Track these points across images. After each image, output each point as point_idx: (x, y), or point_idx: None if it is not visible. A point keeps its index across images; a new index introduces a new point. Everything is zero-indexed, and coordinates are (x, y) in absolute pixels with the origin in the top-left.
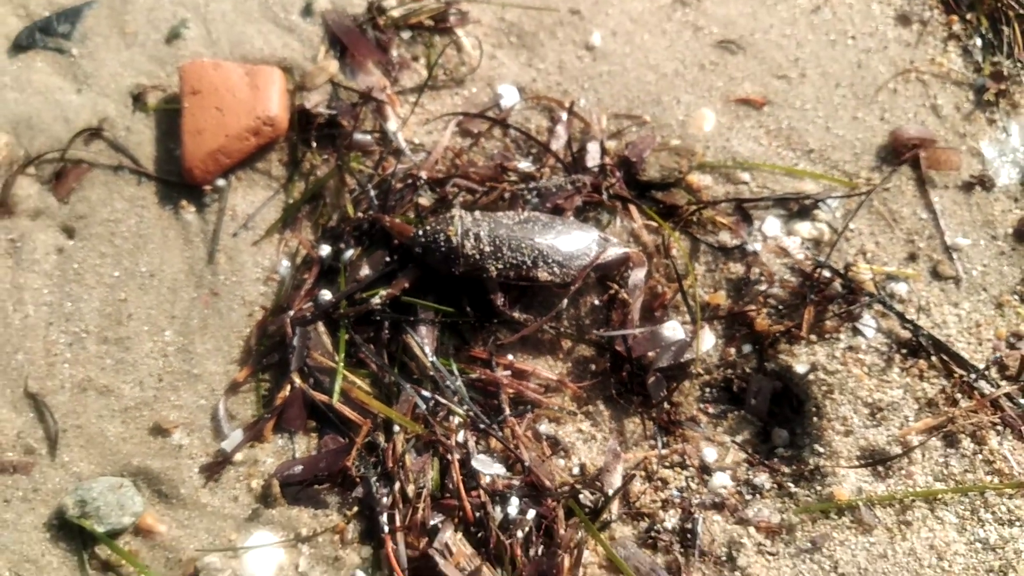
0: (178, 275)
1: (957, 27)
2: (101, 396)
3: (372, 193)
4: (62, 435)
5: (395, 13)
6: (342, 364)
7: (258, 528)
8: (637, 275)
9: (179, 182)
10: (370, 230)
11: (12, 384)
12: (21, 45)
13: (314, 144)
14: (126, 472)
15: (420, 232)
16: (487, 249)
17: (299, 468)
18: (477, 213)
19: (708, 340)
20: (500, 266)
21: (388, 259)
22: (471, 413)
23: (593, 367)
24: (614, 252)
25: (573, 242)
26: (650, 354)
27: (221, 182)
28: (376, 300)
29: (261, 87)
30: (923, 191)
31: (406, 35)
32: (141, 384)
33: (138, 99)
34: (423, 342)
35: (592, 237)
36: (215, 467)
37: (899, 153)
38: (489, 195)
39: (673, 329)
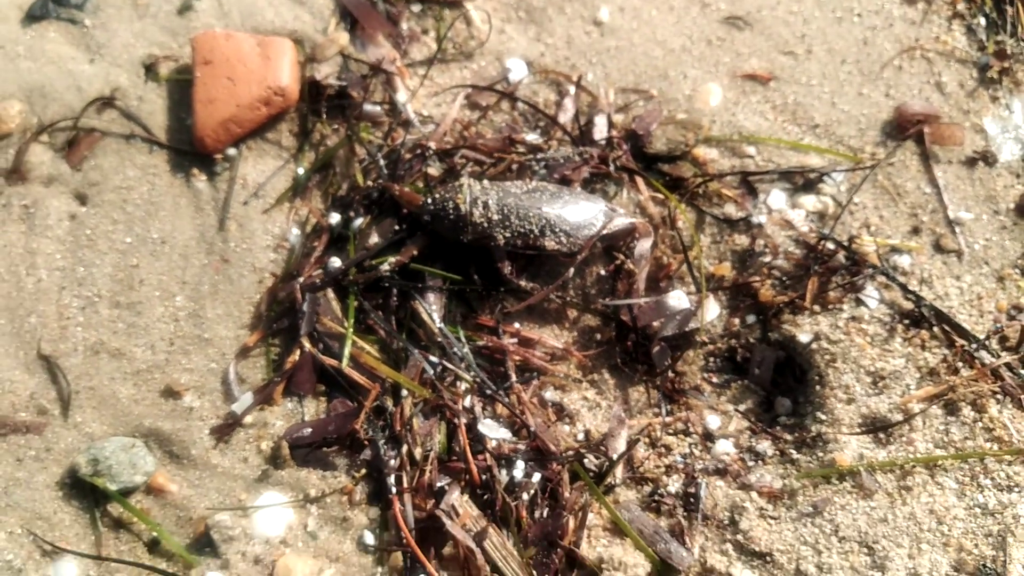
0: (189, 242)
1: (961, 6)
2: (113, 359)
3: (382, 163)
4: (75, 396)
5: None
6: (351, 329)
7: (267, 489)
8: (643, 245)
9: (190, 151)
10: (379, 199)
11: (25, 346)
12: (35, 15)
13: (324, 115)
14: (138, 433)
15: (429, 200)
16: (495, 217)
17: (308, 431)
18: (485, 182)
19: (712, 310)
20: (508, 234)
21: (397, 227)
22: (478, 379)
23: (599, 336)
24: (621, 222)
25: (580, 212)
26: (655, 323)
27: (232, 151)
28: (385, 267)
29: (272, 58)
30: (927, 166)
31: (416, 8)
32: (153, 348)
33: (150, 69)
34: (431, 309)
35: (599, 207)
36: (225, 429)
37: (903, 129)
38: (497, 166)
39: (678, 299)
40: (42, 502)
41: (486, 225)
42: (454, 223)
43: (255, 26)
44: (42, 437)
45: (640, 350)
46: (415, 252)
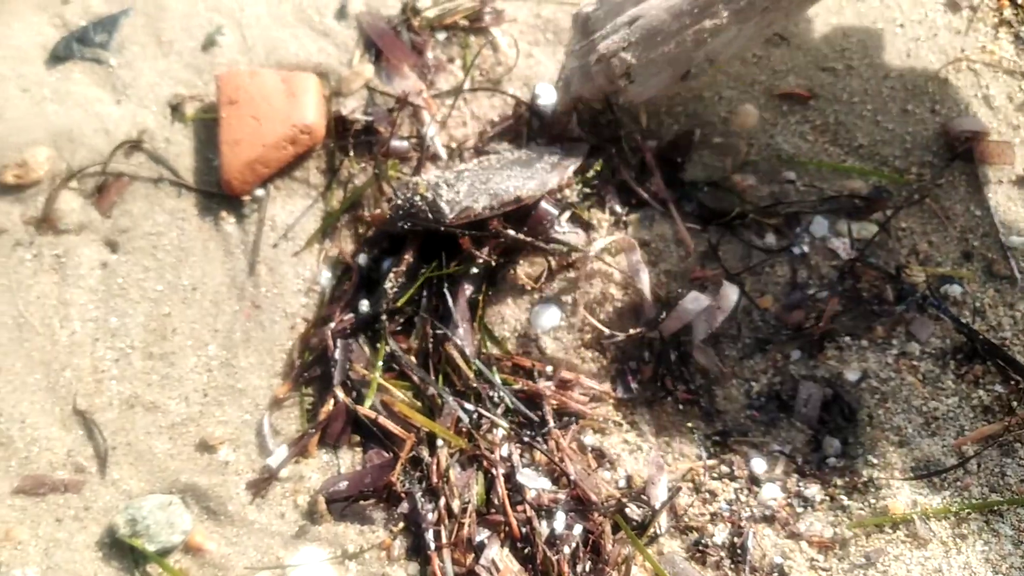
0: (220, 288)
1: (1008, 12)
2: (148, 412)
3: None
4: (111, 452)
5: (430, 14)
6: (379, 374)
7: (305, 545)
8: (632, 259)
9: (218, 193)
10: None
11: (61, 402)
12: (59, 56)
13: (351, 152)
14: (175, 489)
15: (395, 205)
16: (463, 188)
17: (344, 484)
18: (435, 171)
19: (732, 295)
20: (485, 201)
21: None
22: (518, 416)
23: (639, 378)
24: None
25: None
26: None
27: (260, 192)
28: (388, 284)
29: (297, 94)
30: (976, 187)
31: (441, 36)
32: (187, 400)
33: (176, 109)
34: (463, 344)
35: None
36: (261, 483)
37: (951, 147)
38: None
39: (695, 300)
40: (82, 563)
41: (458, 198)
42: (430, 210)
43: (279, 60)
44: (80, 496)
45: (677, 382)
46: (410, 257)
